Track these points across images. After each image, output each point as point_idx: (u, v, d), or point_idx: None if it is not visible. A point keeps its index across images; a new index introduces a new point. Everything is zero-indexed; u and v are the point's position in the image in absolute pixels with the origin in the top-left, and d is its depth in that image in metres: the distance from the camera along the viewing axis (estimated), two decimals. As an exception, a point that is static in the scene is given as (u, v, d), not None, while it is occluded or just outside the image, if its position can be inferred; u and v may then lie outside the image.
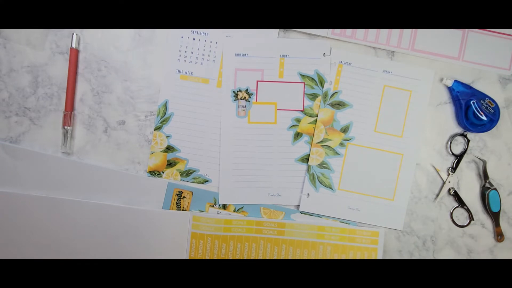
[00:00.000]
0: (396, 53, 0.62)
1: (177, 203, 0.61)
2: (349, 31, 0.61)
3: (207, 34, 0.61)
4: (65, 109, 0.60)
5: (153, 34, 0.61)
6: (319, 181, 0.62)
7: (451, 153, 0.62)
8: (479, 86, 0.61)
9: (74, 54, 0.60)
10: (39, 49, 0.60)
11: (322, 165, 0.62)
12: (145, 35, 0.61)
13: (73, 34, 0.60)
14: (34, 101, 0.60)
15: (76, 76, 0.61)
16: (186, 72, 0.61)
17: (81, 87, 0.61)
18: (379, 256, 0.62)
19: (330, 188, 0.62)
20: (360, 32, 0.61)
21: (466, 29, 0.61)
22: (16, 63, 0.60)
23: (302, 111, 0.62)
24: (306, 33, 0.61)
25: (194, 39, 0.61)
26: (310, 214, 0.62)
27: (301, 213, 0.62)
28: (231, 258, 0.61)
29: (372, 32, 0.61)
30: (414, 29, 0.61)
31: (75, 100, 0.61)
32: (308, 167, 0.62)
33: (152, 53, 0.61)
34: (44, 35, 0.60)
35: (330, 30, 0.61)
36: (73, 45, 0.60)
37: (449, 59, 0.61)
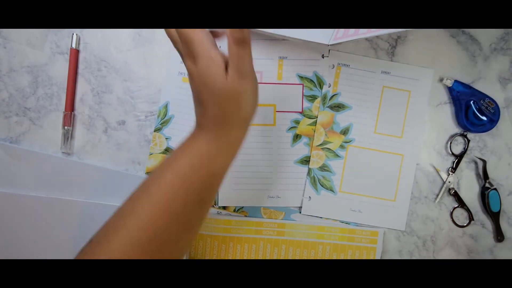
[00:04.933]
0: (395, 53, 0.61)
1: (177, 204, 0.61)
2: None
3: (207, 35, 0.61)
4: (65, 109, 0.60)
5: (153, 34, 0.61)
6: (320, 183, 0.62)
7: (451, 153, 0.62)
8: (479, 86, 0.61)
9: (74, 54, 0.60)
10: (39, 49, 0.60)
11: (323, 168, 0.62)
12: (145, 35, 0.61)
13: (73, 34, 0.60)
14: (34, 101, 0.60)
15: (76, 76, 0.61)
16: (187, 75, 0.61)
17: (81, 87, 0.61)
18: (377, 256, 0.62)
19: (331, 190, 0.62)
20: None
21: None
22: (16, 63, 0.60)
23: (301, 112, 0.61)
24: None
25: (194, 39, 0.61)
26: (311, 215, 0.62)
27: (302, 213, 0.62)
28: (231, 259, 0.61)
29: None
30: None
31: (75, 100, 0.61)
32: (309, 170, 0.61)
33: (152, 53, 0.61)
34: (44, 35, 0.60)
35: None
36: (73, 45, 0.60)
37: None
